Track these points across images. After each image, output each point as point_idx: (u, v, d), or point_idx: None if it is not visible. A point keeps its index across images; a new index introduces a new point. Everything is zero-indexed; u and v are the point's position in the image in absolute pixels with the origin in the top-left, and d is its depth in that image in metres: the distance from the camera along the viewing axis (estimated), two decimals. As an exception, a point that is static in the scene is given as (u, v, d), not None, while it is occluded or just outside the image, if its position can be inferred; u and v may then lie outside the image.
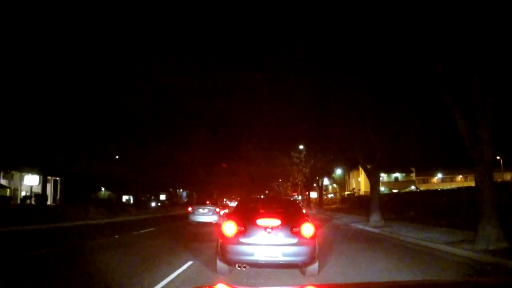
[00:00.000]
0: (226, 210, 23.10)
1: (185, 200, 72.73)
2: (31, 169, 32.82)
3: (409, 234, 13.63)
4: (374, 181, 20.36)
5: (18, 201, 35.44)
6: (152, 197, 57.07)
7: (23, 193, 37.28)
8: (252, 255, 6.45)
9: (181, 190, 72.03)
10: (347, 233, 16.69)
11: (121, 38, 20.80)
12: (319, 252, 6.89)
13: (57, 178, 39.92)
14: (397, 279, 6.76)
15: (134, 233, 16.05)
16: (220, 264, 6.89)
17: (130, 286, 6.47)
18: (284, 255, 6.44)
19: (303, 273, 6.96)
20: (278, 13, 14.94)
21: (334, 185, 76.24)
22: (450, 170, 61.18)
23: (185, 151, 44.59)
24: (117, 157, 43.11)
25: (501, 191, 12.18)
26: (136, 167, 41.54)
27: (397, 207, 25.26)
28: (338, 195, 66.96)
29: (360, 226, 19.03)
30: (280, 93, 21.72)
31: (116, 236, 14.63)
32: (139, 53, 22.32)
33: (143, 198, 51.09)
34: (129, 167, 41.97)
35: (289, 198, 34.85)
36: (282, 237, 6.54)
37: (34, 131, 25.36)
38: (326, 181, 61.84)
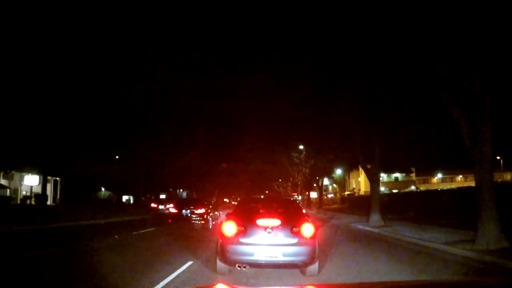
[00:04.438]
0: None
1: (185, 200, 72.70)
2: (31, 169, 32.84)
3: (409, 234, 13.63)
4: (374, 181, 20.35)
5: (18, 201, 35.44)
6: (153, 197, 57.07)
7: (23, 193, 37.29)
8: (252, 255, 6.45)
9: (181, 190, 72.04)
10: (347, 233, 16.68)
11: (121, 39, 20.79)
12: (319, 252, 6.88)
13: (57, 178, 39.91)
14: (397, 279, 6.76)
15: (134, 233, 16.05)
16: (220, 264, 6.88)
17: (130, 286, 6.47)
18: (284, 255, 6.44)
19: (303, 273, 6.95)
20: (278, 12, 14.95)
21: (334, 185, 76.25)
22: (450, 170, 61.19)
23: (185, 151, 44.61)
24: (117, 157, 43.15)
25: (501, 191, 12.17)
26: (136, 167, 41.56)
27: (397, 207, 25.25)
28: (338, 195, 66.97)
29: (360, 226, 19.03)
30: (280, 93, 21.72)
31: (116, 236, 14.63)
32: (139, 53, 22.33)
33: (143, 198, 51.09)
34: (129, 167, 42.01)
35: (289, 198, 34.84)
36: (282, 237, 6.54)
37: (34, 131, 25.38)
38: (326, 181, 61.83)
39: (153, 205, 37.50)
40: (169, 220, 20.96)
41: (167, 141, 40.91)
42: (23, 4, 18.72)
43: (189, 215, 19.75)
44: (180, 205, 21.84)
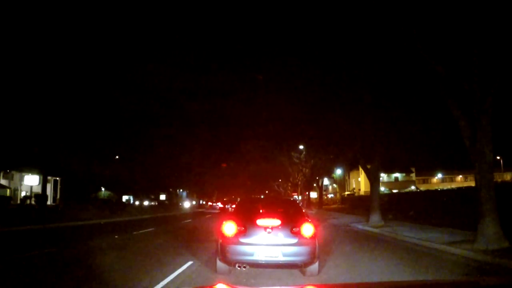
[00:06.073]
0: None
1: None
2: (31, 169, 32.81)
3: (409, 234, 13.63)
4: (374, 181, 20.34)
5: (18, 201, 35.41)
6: (152, 196, 57.14)
7: (23, 193, 37.25)
8: (252, 255, 6.44)
9: (181, 190, 72.04)
10: (347, 233, 16.68)
11: (120, 39, 20.81)
12: (319, 252, 6.88)
13: (57, 178, 39.92)
14: (397, 279, 6.76)
15: (134, 233, 16.05)
16: (220, 264, 6.88)
17: (130, 286, 6.47)
18: (284, 255, 6.43)
19: (303, 273, 6.95)
20: (278, 13, 14.94)
21: (334, 185, 76.23)
22: (450, 170, 61.13)
23: (185, 151, 44.62)
24: (117, 157, 43.16)
25: (501, 191, 12.16)
26: (136, 167, 41.57)
27: (397, 207, 25.23)
28: (338, 195, 66.92)
29: (360, 226, 19.02)
30: (280, 93, 21.72)
31: (116, 236, 14.63)
32: (138, 54, 22.34)
33: (141, 198, 51.23)
34: (129, 167, 42.02)
35: (289, 198, 34.92)
36: (282, 237, 6.54)
37: (34, 131, 25.37)
38: (326, 181, 61.83)
39: (209, 203, 65.33)
40: (220, 209, 42.45)
41: (167, 141, 40.93)
42: (23, 4, 18.73)
43: (229, 208, 37.05)
44: (224, 202, 48.16)
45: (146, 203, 54.23)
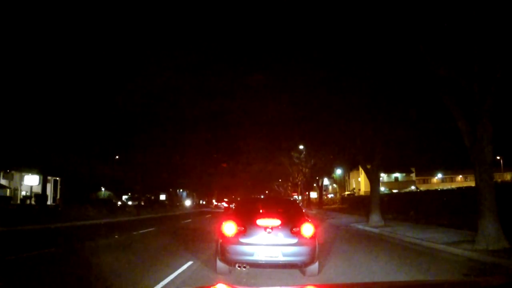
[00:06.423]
0: None
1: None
2: (31, 169, 32.80)
3: (409, 234, 13.63)
4: (374, 181, 20.34)
5: (18, 201, 35.39)
6: (136, 195, 56.04)
7: (23, 193, 37.23)
8: (252, 255, 6.44)
9: (181, 190, 72.08)
10: (347, 233, 16.68)
11: (120, 39, 20.80)
12: (319, 252, 6.88)
13: (57, 178, 39.89)
14: (397, 279, 6.76)
15: (134, 233, 16.05)
16: (220, 264, 6.89)
17: (130, 286, 6.47)
18: (284, 255, 6.43)
19: (303, 273, 6.96)
20: (278, 13, 14.93)
21: (334, 185, 76.27)
22: (450, 170, 61.12)
23: (185, 151, 44.61)
24: (117, 157, 43.16)
25: (501, 191, 12.16)
26: (136, 167, 41.56)
27: (397, 207, 25.23)
28: (338, 195, 66.94)
29: (360, 226, 19.02)
30: (280, 93, 21.71)
31: (116, 236, 14.63)
32: (138, 54, 22.32)
33: (142, 197, 51.10)
34: (129, 167, 42.01)
35: (289, 198, 34.94)
36: (282, 237, 6.54)
37: (33, 131, 25.38)
38: (326, 181, 61.83)
39: (215, 203, 68.46)
40: (225, 208, 46.00)
41: (167, 141, 40.90)
42: (23, 4, 18.72)
43: (233, 207, 37.17)
44: (228, 202, 56.14)
45: (130, 203, 50.73)
